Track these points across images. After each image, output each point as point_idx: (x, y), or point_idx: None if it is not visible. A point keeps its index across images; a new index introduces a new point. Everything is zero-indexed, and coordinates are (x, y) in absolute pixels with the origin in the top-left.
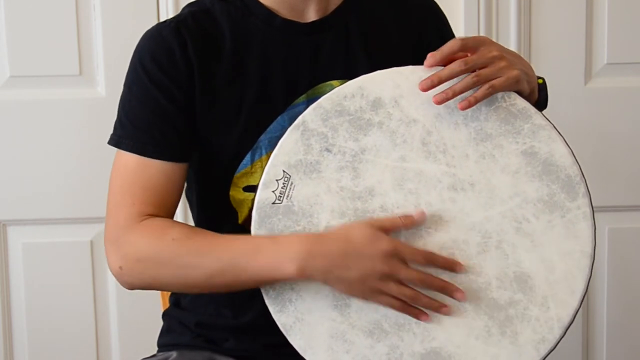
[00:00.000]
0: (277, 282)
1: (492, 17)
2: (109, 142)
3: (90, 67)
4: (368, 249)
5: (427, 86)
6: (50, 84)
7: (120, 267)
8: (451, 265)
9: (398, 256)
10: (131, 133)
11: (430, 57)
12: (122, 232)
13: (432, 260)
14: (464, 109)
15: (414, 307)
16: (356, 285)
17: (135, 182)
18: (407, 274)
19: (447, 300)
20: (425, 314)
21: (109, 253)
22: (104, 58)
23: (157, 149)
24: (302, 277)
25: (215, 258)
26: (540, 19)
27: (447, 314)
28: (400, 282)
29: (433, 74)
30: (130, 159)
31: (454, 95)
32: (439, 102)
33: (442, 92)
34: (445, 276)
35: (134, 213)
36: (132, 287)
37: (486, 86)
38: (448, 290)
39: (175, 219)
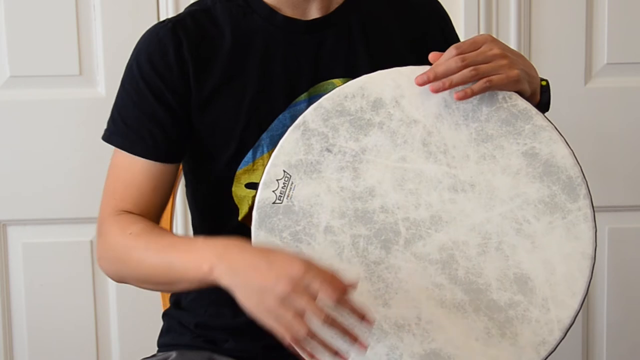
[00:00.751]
0: (202, 284)
1: (492, 17)
2: (102, 137)
3: (90, 67)
4: (279, 267)
5: (423, 81)
6: (50, 84)
7: (100, 258)
8: (360, 315)
9: (304, 284)
10: (120, 130)
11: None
12: (99, 225)
13: (341, 301)
14: (459, 99)
15: (304, 345)
16: (254, 297)
17: (119, 178)
18: (305, 305)
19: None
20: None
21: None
22: (104, 58)
23: (143, 148)
24: (212, 278)
25: (156, 253)
26: (540, 19)
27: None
28: (299, 315)
29: (429, 69)
30: (120, 155)
31: (451, 86)
32: (435, 91)
33: (439, 81)
34: (444, 277)
35: (113, 207)
36: (111, 278)
37: (484, 80)
38: (349, 337)
39: (175, 219)
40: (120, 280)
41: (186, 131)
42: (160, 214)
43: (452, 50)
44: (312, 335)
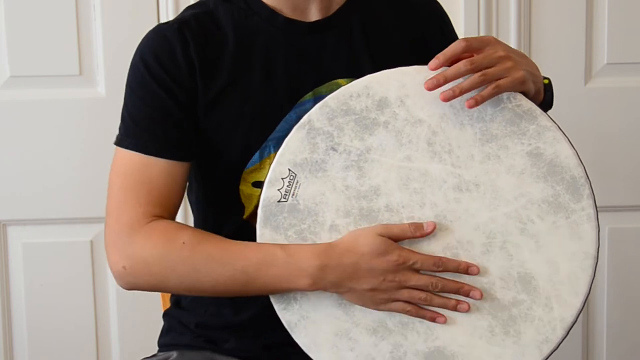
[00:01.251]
0: (287, 292)
1: (492, 17)
2: (115, 142)
3: (90, 67)
4: (378, 261)
5: (433, 85)
6: (50, 84)
7: (124, 267)
8: (465, 269)
9: (408, 266)
10: (134, 131)
11: (435, 60)
12: (127, 232)
13: (444, 266)
14: (471, 107)
15: (428, 310)
16: (367, 296)
17: (138, 182)
18: (417, 281)
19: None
20: (442, 315)
21: (111, 252)
22: (104, 58)
23: (160, 147)
24: (314, 289)
25: (226, 266)
26: (540, 19)
27: (465, 310)
28: (412, 287)
29: (439, 74)
30: (133, 158)
31: (461, 93)
32: (446, 100)
33: (449, 89)
34: (448, 276)
35: (140, 213)
36: (133, 288)
37: (493, 85)
38: (463, 291)
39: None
40: (155, 289)
41: (196, 128)
42: (177, 214)
43: (461, 42)
44: (430, 298)
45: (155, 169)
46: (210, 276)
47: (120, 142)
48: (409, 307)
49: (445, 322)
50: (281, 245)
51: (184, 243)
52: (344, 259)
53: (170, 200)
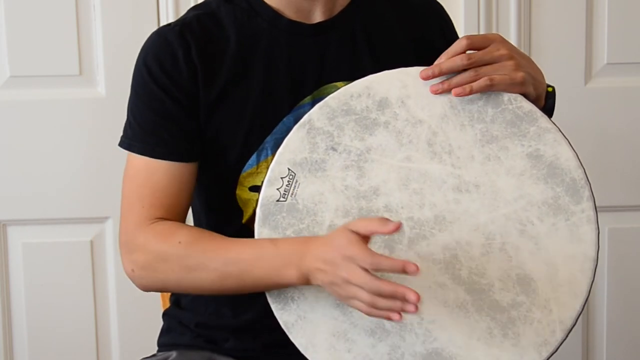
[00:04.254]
0: (282, 287)
1: (492, 17)
2: (120, 144)
3: (90, 67)
4: (334, 254)
5: (427, 75)
6: (50, 84)
7: (133, 270)
8: (400, 267)
9: (350, 259)
10: (139, 136)
11: (438, 60)
12: (131, 235)
13: (378, 266)
14: (457, 95)
15: (381, 310)
16: (332, 289)
17: (144, 185)
18: (357, 280)
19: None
20: (396, 313)
21: (122, 256)
22: (104, 58)
23: (164, 150)
24: (304, 282)
25: (219, 262)
26: (540, 19)
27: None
28: (357, 285)
29: (434, 65)
30: (140, 162)
31: (450, 87)
32: (435, 92)
33: (439, 82)
34: (447, 277)
35: (143, 216)
36: (145, 289)
37: (485, 78)
38: (398, 294)
39: None
40: (163, 289)
41: (199, 129)
42: (186, 216)
43: (463, 40)
44: (373, 301)
45: (160, 172)
46: (205, 274)
47: (130, 146)
48: (364, 308)
49: (399, 319)
50: (271, 240)
51: (179, 242)
52: (317, 251)
53: (176, 202)
